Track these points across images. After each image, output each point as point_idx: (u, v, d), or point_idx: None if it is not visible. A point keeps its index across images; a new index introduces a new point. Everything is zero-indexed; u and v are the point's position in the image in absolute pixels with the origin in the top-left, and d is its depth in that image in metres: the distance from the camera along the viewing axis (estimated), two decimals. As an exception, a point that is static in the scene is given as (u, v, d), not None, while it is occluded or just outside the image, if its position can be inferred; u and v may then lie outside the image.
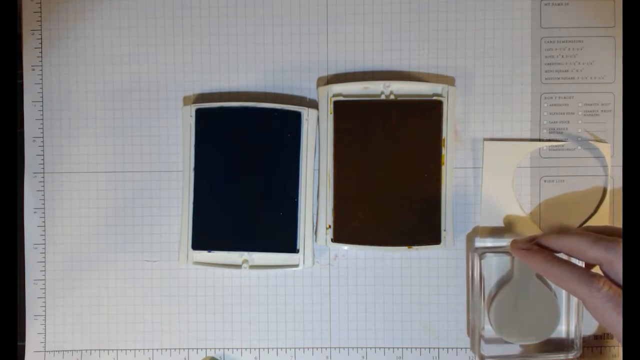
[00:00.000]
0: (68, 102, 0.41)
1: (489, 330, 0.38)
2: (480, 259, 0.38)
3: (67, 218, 0.41)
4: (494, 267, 0.39)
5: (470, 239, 0.40)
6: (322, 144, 0.39)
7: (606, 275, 0.32)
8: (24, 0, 0.41)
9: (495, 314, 0.38)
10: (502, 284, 0.38)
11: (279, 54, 0.40)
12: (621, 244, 0.31)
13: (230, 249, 0.39)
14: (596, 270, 0.32)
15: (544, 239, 0.35)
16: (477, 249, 0.38)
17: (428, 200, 0.39)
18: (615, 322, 0.30)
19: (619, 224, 0.39)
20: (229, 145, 0.39)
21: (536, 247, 0.35)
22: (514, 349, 0.39)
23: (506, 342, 0.38)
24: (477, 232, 0.40)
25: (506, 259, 0.38)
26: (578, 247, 0.33)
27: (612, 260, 0.31)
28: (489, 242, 0.39)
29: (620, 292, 0.30)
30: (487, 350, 0.38)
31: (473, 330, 0.38)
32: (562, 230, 0.34)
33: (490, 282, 0.39)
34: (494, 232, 0.40)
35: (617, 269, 0.31)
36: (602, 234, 0.33)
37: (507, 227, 0.40)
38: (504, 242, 0.39)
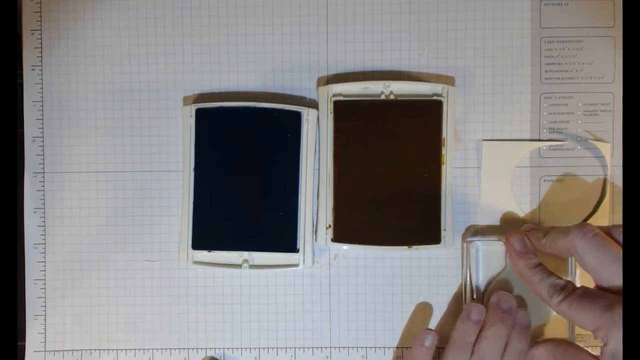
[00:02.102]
0: (68, 102, 0.41)
1: None
2: (469, 247, 0.38)
3: (67, 218, 0.41)
4: (488, 258, 0.39)
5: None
6: (322, 144, 0.39)
7: (580, 264, 0.33)
8: (24, 0, 0.41)
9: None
10: (496, 274, 0.39)
11: (279, 54, 0.40)
12: (581, 228, 0.32)
13: (230, 249, 0.39)
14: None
15: (534, 237, 0.36)
16: (468, 239, 0.39)
17: (428, 200, 0.39)
18: (574, 321, 0.32)
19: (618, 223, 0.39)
20: (229, 145, 0.39)
21: (529, 250, 0.35)
22: None
23: None
24: (476, 232, 0.40)
25: (500, 249, 0.38)
26: (553, 243, 0.34)
27: (576, 245, 0.32)
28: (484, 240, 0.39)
29: (575, 297, 0.31)
30: None
31: None
32: (545, 231, 0.35)
33: (486, 272, 0.39)
34: (493, 231, 0.40)
35: (580, 253, 0.32)
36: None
37: (506, 227, 0.40)
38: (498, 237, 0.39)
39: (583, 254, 0.32)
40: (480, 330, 0.35)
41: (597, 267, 0.31)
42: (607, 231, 0.32)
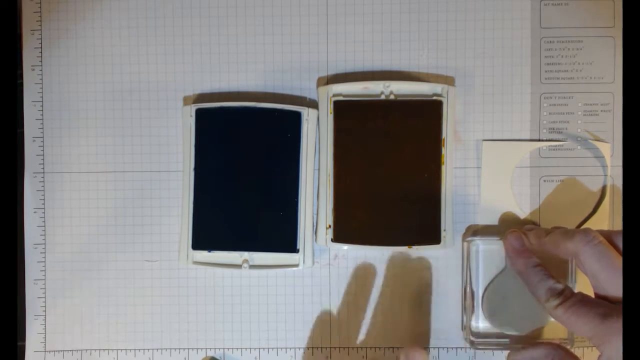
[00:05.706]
0: (68, 102, 0.41)
1: (481, 317, 0.38)
2: (469, 246, 0.38)
3: (67, 218, 0.41)
4: (488, 257, 0.39)
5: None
6: (322, 144, 0.39)
7: (580, 268, 0.33)
8: (24, 0, 0.41)
9: (487, 303, 0.38)
10: (496, 273, 0.39)
11: (279, 54, 0.40)
12: (587, 234, 0.32)
13: (230, 249, 0.39)
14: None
15: (535, 235, 0.35)
16: (468, 238, 0.39)
17: (428, 200, 0.39)
18: (569, 327, 0.32)
19: (618, 223, 0.39)
20: (229, 145, 0.39)
21: (528, 249, 0.35)
22: (505, 337, 0.39)
23: (497, 331, 0.38)
24: (476, 232, 0.40)
25: (500, 249, 0.38)
26: (554, 243, 0.34)
27: (579, 250, 0.32)
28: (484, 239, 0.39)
29: (572, 303, 0.31)
30: (478, 336, 0.38)
31: (465, 317, 0.39)
32: (547, 231, 0.35)
33: (485, 272, 0.39)
34: (493, 231, 0.40)
35: (582, 258, 0.32)
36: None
37: (506, 227, 0.40)
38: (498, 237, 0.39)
39: (585, 259, 0.31)
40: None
41: (596, 273, 0.31)
42: (608, 235, 0.32)
